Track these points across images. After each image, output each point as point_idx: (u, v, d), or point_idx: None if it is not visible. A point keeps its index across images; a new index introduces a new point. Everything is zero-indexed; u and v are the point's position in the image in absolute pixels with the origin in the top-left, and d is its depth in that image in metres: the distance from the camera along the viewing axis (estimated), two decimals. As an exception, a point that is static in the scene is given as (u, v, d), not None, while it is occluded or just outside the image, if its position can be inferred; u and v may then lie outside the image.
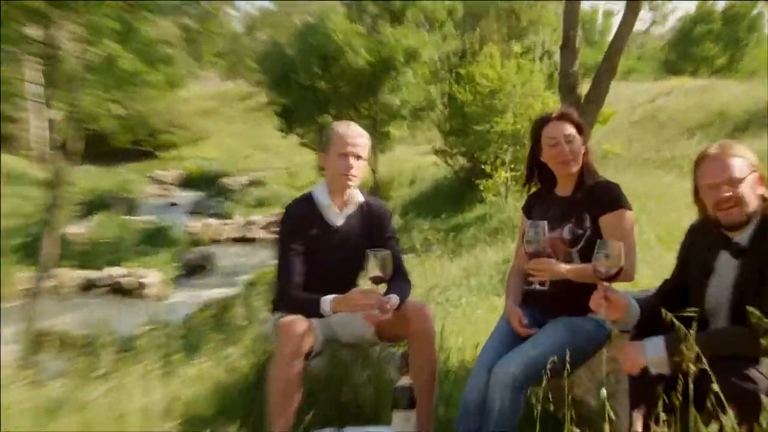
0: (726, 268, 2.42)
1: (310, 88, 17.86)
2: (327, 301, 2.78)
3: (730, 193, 2.33)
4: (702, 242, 2.51)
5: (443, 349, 3.69)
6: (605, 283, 2.37)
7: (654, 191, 11.30)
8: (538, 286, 2.82)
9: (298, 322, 2.73)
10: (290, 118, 18.91)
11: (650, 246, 7.80)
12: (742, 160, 2.37)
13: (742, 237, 2.37)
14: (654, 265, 6.75)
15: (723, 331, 2.32)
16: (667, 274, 2.66)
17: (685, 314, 1.99)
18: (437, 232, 13.27)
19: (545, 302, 2.98)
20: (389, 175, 20.01)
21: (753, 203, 2.36)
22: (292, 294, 2.83)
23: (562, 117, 2.97)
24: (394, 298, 2.85)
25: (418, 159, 21.40)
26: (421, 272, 9.12)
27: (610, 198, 2.88)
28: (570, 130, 2.95)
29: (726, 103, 18.71)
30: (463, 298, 7.16)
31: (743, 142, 15.88)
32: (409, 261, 9.83)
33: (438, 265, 10.03)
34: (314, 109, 18.08)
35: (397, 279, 2.94)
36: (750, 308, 2.01)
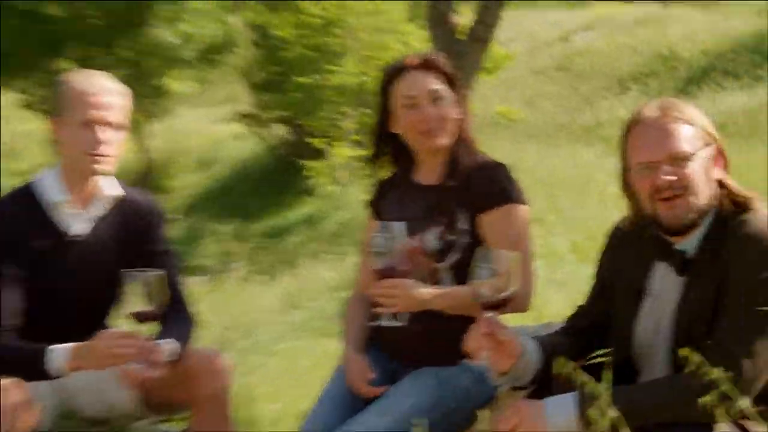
0: (665, 288, 2.53)
1: (33, 15, 16.90)
2: (59, 352, 2.75)
3: (674, 177, 2.42)
4: (631, 251, 2.61)
5: (248, 421, 3.67)
6: (489, 314, 2.43)
7: (568, 176, 11.99)
8: (389, 321, 2.86)
9: (10, 390, 2.68)
10: (3, 64, 17.82)
11: (560, 258, 8.24)
12: (691, 127, 2.47)
13: (688, 243, 2.48)
14: (566, 287, 7.11)
15: (657, 385, 2.41)
16: (584, 297, 2.76)
17: (600, 359, 2.07)
18: (242, 241, 13.16)
19: (401, 345, 3.02)
20: (167, 155, 19.61)
21: (705, 192, 2.46)
22: (0, 343, 2.78)
23: (426, 65, 3.03)
24: (169, 346, 2.88)
25: (212, 129, 21.14)
26: (216, 303, 9.00)
27: (496, 187, 2.96)
28: (437, 84, 3.01)
29: (677, 43, 20.20)
30: (281, 341, 7.15)
31: (699, 101, 17.29)
32: (197, 287, 9.65)
33: (243, 291, 10.00)
34: (42, 49, 17.16)
35: (175, 315, 2.98)
36: (684, 352, 2.10)
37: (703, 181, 2.44)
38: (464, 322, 2.89)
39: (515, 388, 2.63)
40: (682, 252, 2.47)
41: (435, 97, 3.00)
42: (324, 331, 7.36)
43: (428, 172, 3.08)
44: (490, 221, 2.93)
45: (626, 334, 2.57)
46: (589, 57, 20.92)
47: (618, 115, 16.88)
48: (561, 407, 2.37)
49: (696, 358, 2.22)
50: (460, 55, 8.31)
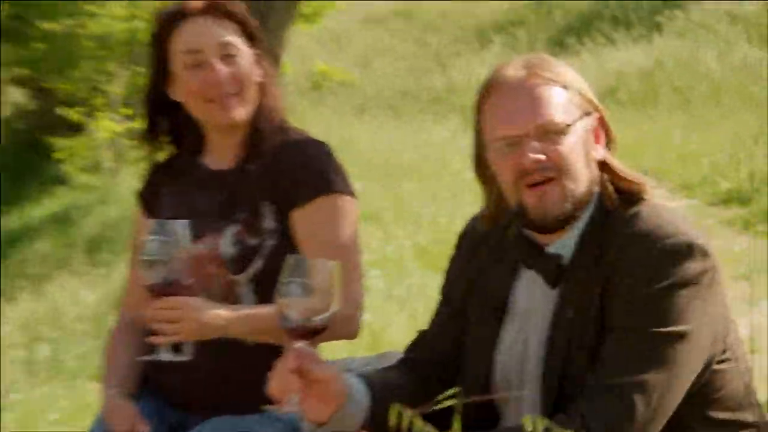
0: (534, 304, 2.58)
1: None
2: None
3: (544, 156, 2.47)
4: (489, 257, 2.66)
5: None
6: (300, 344, 2.43)
7: (412, 159, 12.16)
8: (169, 355, 2.84)
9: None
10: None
11: (402, 266, 8.37)
12: (566, 91, 2.53)
13: (563, 244, 2.54)
14: (410, 304, 7.21)
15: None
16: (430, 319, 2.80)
17: (449, 402, 2.08)
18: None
19: (185, 387, 3.02)
20: None
21: (585, 176, 2.52)
22: None
23: (213, 10, 3.03)
24: None
25: None
26: None
27: (312, 173, 2.99)
28: (229, 35, 3.03)
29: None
30: (18, 389, 6.97)
31: (580, 58, 17.75)
32: None
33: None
34: None
35: None
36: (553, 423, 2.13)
37: (581, 161, 2.50)
38: (270, 355, 2.88)
39: None
40: (555, 256, 2.52)
41: (226, 53, 3.00)
42: (78, 371, 7.23)
43: (221, 154, 3.09)
44: (303, 219, 2.96)
45: (484, 366, 2.61)
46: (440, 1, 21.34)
47: (477, 76, 17.28)
48: None
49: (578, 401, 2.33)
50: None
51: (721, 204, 9.77)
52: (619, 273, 2.41)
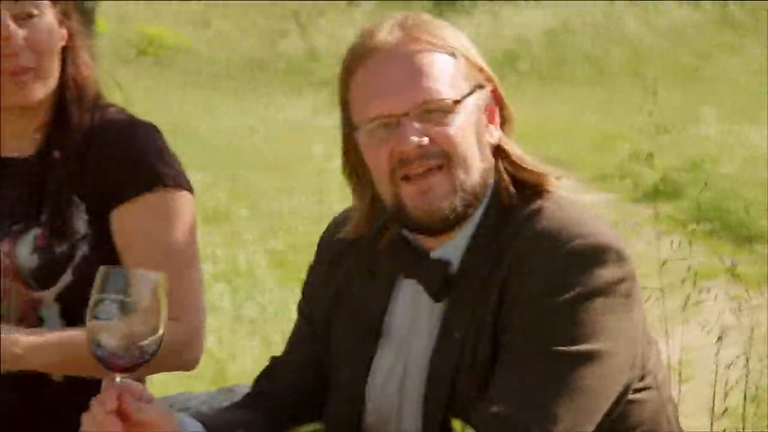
0: (416, 322, 2.60)
1: None
2: None
3: (425, 139, 2.46)
4: (358, 266, 2.68)
5: None
6: (119, 378, 2.41)
7: (263, 144, 12.11)
8: None
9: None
10: None
11: (254, 278, 8.37)
12: (452, 59, 2.54)
13: (451, 248, 2.55)
14: (265, 326, 7.17)
15: None
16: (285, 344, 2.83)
17: None
18: None
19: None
20: None
21: (477, 165, 2.53)
22: None
23: None
24: None
25: None
26: None
27: (134, 162, 2.97)
28: None
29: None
30: None
31: (472, 20, 17.95)
32: None
33: None
34: None
35: None
36: (455, 424, 2.15)
37: (473, 146, 2.51)
38: (82, 391, 2.84)
39: None
40: (441, 262, 2.54)
41: (21, 11, 2.95)
42: None
43: (16, 139, 3.03)
44: (126, 220, 2.94)
45: (354, 401, 2.63)
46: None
47: (344, 41, 17.35)
48: None
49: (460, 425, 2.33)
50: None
51: (644, 199, 9.95)
52: (517, 281, 2.42)
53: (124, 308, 2.37)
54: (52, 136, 3.00)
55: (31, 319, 2.93)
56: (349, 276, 2.66)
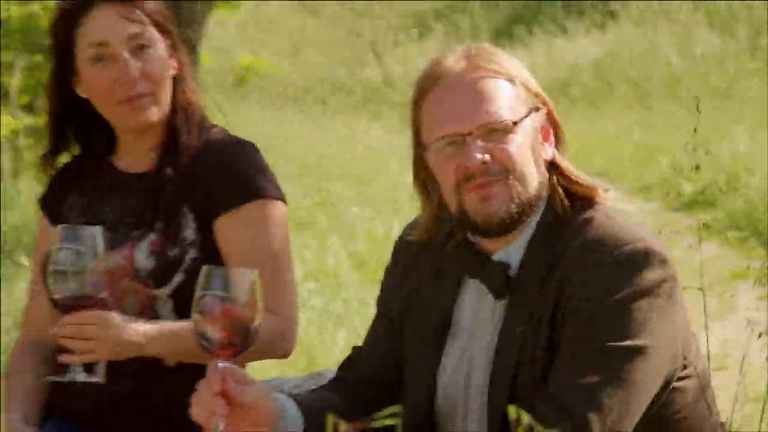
0: (480, 318, 2.60)
1: None
2: None
3: (488, 157, 2.46)
4: (428, 268, 2.67)
5: None
6: (223, 365, 2.43)
7: (347, 159, 12.13)
8: (80, 376, 2.82)
9: None
10: None
11: (339, 278, 8.41)
12: (512, 86, 2.54)
13: (510, 251, 2.55)
14: (348, 320, 7.18)
15: None
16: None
17: (388, 421, 2.07)
18: None
19: (98, 413, 3.01)
20: None
21: (534, 178, 2.54)
22: None
23: None
24: None
25: None
26: None
27: (237, 176, 3.00)
28: (139, 25, 3.01)
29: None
30: None
31: (529, 50, 17.90)
32: None
33: None
34: None
35: None
36: (512, 410, 2.14)
37: (530, 162, 2.51)
38: (192, 375, 2.87)
39: None
40: (502, 264, 2.54)
41: (137, 45, 2.99)
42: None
43: (135, 156, 3.08)
44: (229, 228, 2.96)
45: (426, 389, 2.63)
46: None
47: (416, 69, 17.26)
48: None
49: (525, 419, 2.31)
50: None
51: (683, 209, 9.86)
52: (572, 283, 2.43)
53: (225, 302, 2.37)
54: (165, 155, 3.03)
55: (149, 314, 2.97)
56: (421, 277, 2.65)
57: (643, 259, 2.41)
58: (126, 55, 2.97)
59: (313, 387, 3.28)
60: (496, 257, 2.55)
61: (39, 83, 13.31)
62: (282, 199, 3.03)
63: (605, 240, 2.44)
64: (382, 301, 2.78)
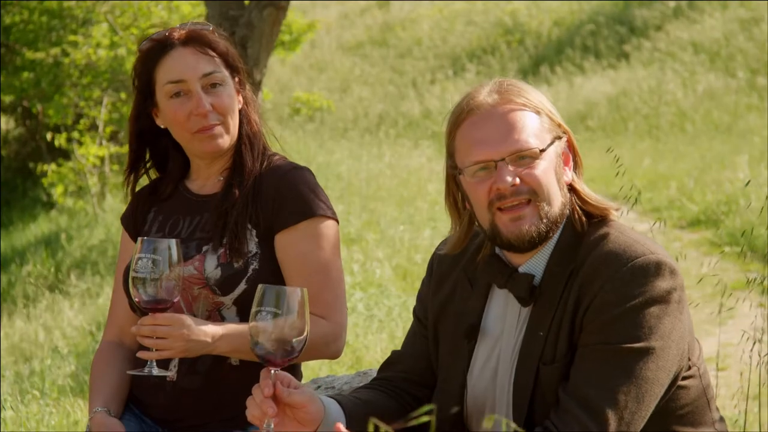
0: (507, 324, 2.59)
1: None
2: None
3: (518, 180, 2.46)
4: (460, 278, 2.67)
5: None
6: (273, 370, 2.46)
7: (390, 183, 12.12)
8: (156, 371, 2.83)
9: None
10: None
11: (383, 288, 8.37)
12: (537, 116, 2.54)
13: (535, 263, 2.54)
14: (390, 325, 7.18)
15: None
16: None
17: (423, 419, 2.06)
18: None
19: (171, 407, 3.02)
20: None
21: (557, 199, 2.53)
22: None
23: (196, 40, 3.04)
24: None
25: None
26: None
27: (294, 198, 3.00)
28: (212, 66, 3.03)
29: (522, 11, 20.68)
30: (5, 406, 6.92)
31: (553, 87, 17.80)
32: None
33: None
34: None
35: None
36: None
37: (554, 184, 2.51)
38: (254, 375, 2.91)
39: None
40: (528, 276, 2.53)
41: (210, 83, 3.01)
42: (67, 389, 7.20)
43: (206, 179, 3.10)
44: (287, 242, 2.96)
45: (457, 386, 2.63)
46: (414, 29, 21.34)
47: (451, 102, 17.20)
48: None
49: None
50: (247, 26, 8.28)
51: (688, 227, 9.81)
52: (591, 291, 2.42)
53: (276, 318, 2.35)
54: (231, 178, 3.04)
55: (215, 317, 2.98)
56: (454, 286, 2.65)
57: (655, 269, 2.41)
58: (200, 91, 3.00)
59: (360, 384, 3.30)
60: (522, 269, 2.55)
61: (123, 117, 13.39)
62: (334, 218, 3.03)
63: (620, 252, 2.43)
64: (418, 309, 2.78)
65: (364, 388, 2.74)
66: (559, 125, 2.56)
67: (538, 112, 2.53)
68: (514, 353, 2.54)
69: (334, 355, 3.00)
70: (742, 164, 10.97)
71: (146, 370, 2.81)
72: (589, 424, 2.35)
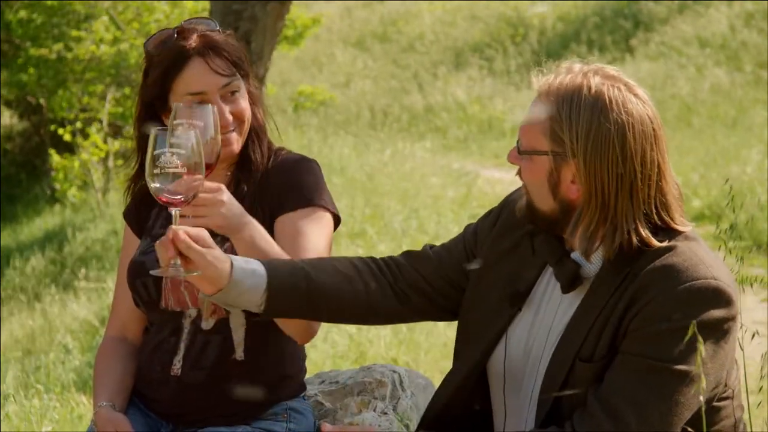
0: (548, 301, 2.59)
1: None
2: None
3: None
4: (525, 240, 2.65)
5: None
6: (174, 210, 2.55)
7: (393, 176, 12.13)
8: (173, 271, 2.62)
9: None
10: None
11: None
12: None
13: (592, 258, 2.51)
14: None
15: None
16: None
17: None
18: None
19: (176, 400, 3.02)
20: None
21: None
22: None
23: (209, 49, 3.04)
24: None
25: None
26: None
27: (297, 187, 3.02)
28: (228, 76, 3.02)
29: (526, 6, 20.70)
30: (10, 401, 6.95)
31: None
32: None
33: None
34: None
35: None
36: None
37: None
38: (258, 370, 2.91)
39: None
40: (575, 263, 2.51)
41: (227, 92, 3.02)
42: (71, 384, 7.23)
43: (213, 173, 3.07)
44: (284, 222, 2.97)
45: (485, 347, 2.64)
46: (416, 23, 21.35)
47: (454, 97, 17.30)
48: None
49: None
50: (250, 20, 8.29)
51: (693, 221, 9.79)
52: (642, 300, 2.38)
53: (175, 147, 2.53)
54: (239, 172, 3.04)
55: (220, 312, 3.01)
56: (516, 245, 2.63)
57: (711, 296, 2.36)
58: (220, 102, 2.99)
59: (366, 379, 3.31)
60: (574, 255, 2.52)
61: (127, 112, 13.40)
62: (333, 213, 3.04)
63: (682, 269, 2.38)
64: (472, 233, 2.78)
65: (348, 261, 2.77)
66: None
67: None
68: (549, 338, 2.55)
69: (305, 341, 3.00)
70: (748, 158, 10.97)
71: (171, 270, 2.62)
72: (609, 430, 2.35)
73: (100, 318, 8.73)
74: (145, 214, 3.19)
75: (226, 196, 2.74)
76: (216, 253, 2.52)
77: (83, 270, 11.21)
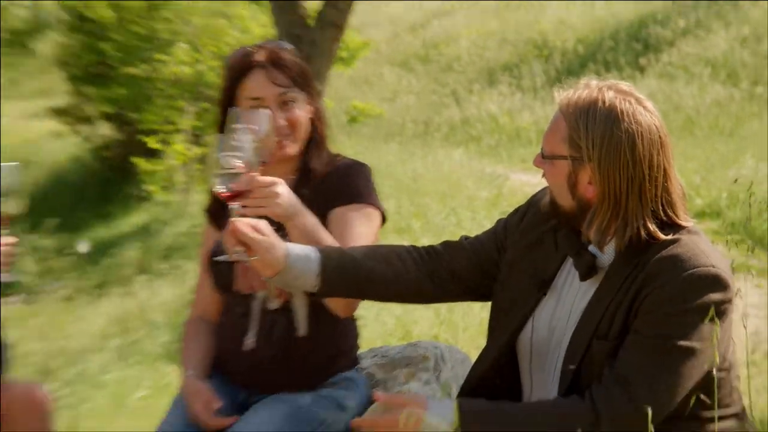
0: (568, 288, 2.60)
1: None
2: None
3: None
4: (549, 235, 2.65)
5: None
6: (232, 205, 2.57)
7: (434, 179, 12.14)
8: (238, 256, 2.63)
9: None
10: None
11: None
12: None
13: (606, 248, 2.52)
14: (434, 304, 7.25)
15: (543, 413, 2.45)
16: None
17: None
18: (64, 256, 12.84)
19: (251, 371, 3.04)
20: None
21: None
22: None
23: (273, 61, 3.06)
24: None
25: (23, 125, 20.50)
26: (35, 328, 8.76)
27: (350, 187, 3.02)
28: (286, 83, 3.04)
29: (549, 30, 20.58)
30: (111, 370, 7.02)
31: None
32: (12, 309, 9.36)
33: (67, 313, 9.79)
34: None
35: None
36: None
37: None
38: (319, 345, 2.93)
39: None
40: (592, 255, 2.52)
41: (283, 101, 3.03)
42: (161, 356, 7.28)
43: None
44: (335, 215, 2.97)
45: (516, 327, 2.64)
46: (455, 46, 21.30)
47: (487, 110, 17.27)
48: (441, 411, 2.42)
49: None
50: (310, 44, 8.31)
51: (695, 218, 9.72)
52: (651, 285, 2.40)
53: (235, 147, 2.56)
54: (301, 178, 3.04)
55: (286, 296, 2.98)
56: (541, 239, 2.62)
57: (711, 282, 2.37)
58: (275, 108, 3.02)
59: (413, 354, 3.32)
60: (591, 248, 2.53)
61: (205, 123, 13.47)
62: (381, 212, 3.04)
63: (685, 259, 2.39)
64: (502, 227, 2.78)
65: (392, 249, 2.79)
66: None
67: None
68: (570, 320, 2.54)
69: (349, 312, 3.02)
70: (744, 163, 10.88)
71: (234, 256, 2.62)
72: (623, 400, 2.35)
73: (184, 300, 8.78)
74: (222, 210, 3.20)
75: (281, 188, 2.74)
76: (273, 240, 2.55)
77: (169, 259, 11.30)
